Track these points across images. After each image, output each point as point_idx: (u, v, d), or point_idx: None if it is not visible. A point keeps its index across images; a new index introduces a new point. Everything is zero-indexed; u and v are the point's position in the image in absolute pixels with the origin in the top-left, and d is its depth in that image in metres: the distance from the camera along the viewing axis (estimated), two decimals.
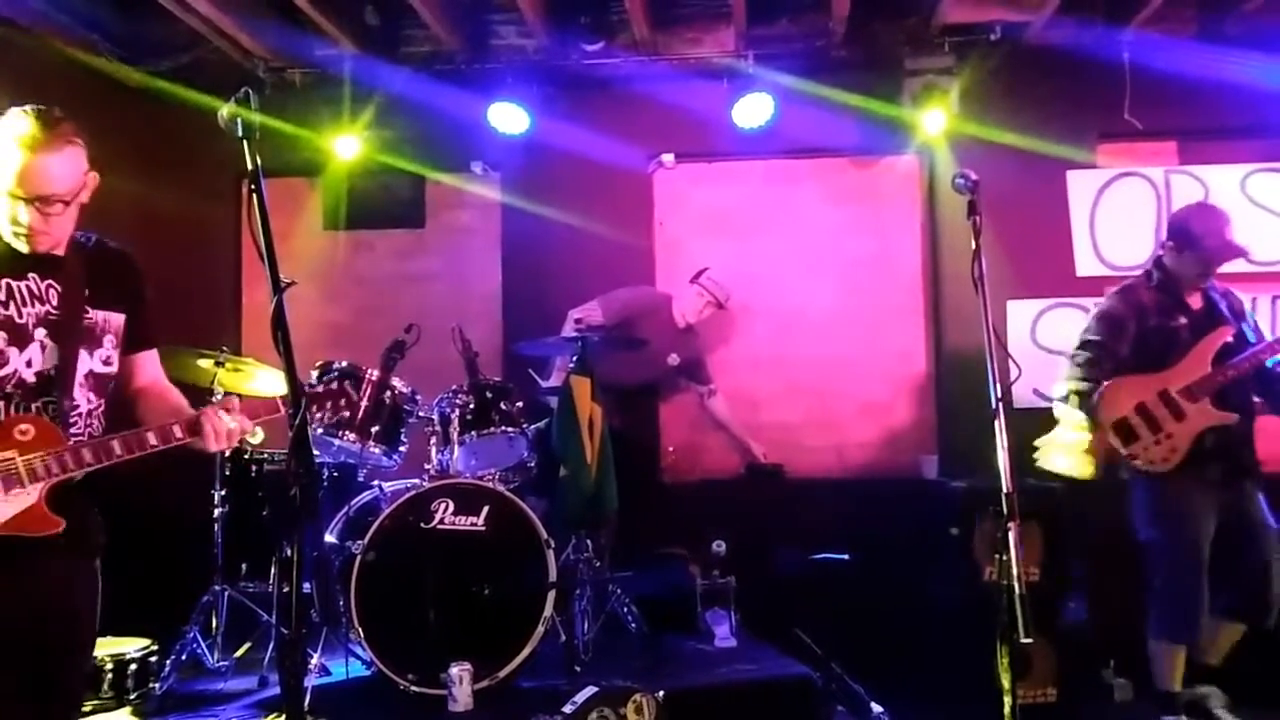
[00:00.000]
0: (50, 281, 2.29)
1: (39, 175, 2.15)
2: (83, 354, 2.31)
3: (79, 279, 2.31)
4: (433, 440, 4.11)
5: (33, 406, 2.23)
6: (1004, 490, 3.26)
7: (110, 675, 3.31)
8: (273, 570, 3.90)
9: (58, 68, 4.78)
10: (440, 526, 3.67)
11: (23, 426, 2.18)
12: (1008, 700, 2.87)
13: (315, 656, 3.70)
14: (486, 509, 3.72)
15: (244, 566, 4.03)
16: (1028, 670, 3.91)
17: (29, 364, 2.23)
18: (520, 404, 4.24)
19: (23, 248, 2.23)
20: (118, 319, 2.38)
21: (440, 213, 5.99)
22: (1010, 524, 3.30)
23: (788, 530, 5.12)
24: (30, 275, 2.27)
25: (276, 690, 3.63)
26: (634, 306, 5.17)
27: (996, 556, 3.00)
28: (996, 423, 3.24)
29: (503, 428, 4.11)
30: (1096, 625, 4.49)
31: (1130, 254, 5.52)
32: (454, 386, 4.17)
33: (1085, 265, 5.54)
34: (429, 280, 5.83)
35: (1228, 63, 5.17)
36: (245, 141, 1.92)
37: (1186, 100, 5.34)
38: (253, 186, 1.88)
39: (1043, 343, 5.48)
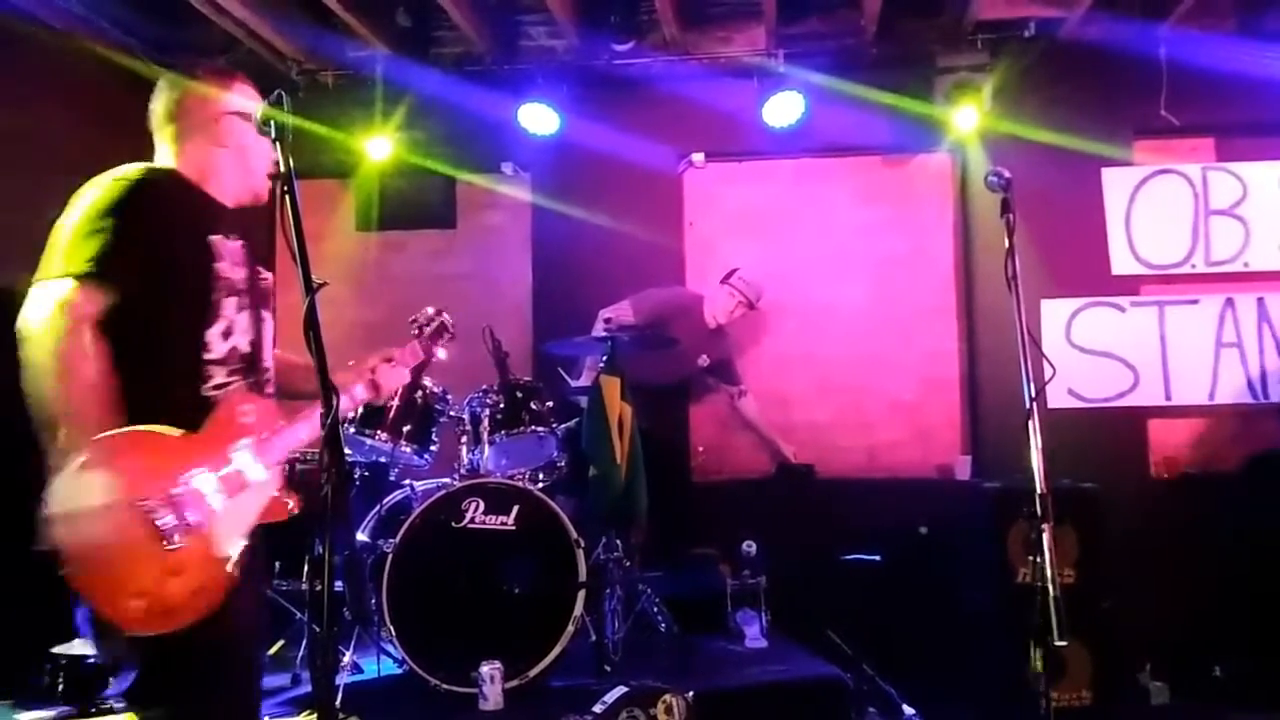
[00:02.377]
0: (238, 239, 2.17)
1: None
2: (267, 318, 2.20)
3: (253, 234, 2.21)
4: (463, 439, 4.13)
5: (247, 380, 2.09)
6: (1038, 491, 3.23)
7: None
8: (305, 568, 3.93)
9: (93, 71, 4.82)
10: (471, 525, 3.68)
11: (245, 407, 2.05)
12: (1042, 703, 2.83)
13: (347, 654, 3.72)
14: (517, 508, 3.73)
15: (277, 565, 4.06)
16: (1062, 673, 3.87)
17: (244, 333, 2.11)
18: (550, 404, 4.25)
19: (231, 201, 2.18)
20: (270, 278, 2.27)
21: (471, 213, 6.02)
22: (1045, 525, 3.27)
23: (818, 531, 5.09)
24: (232, 233, 2.15)
25: (308, 688, 3.66)
26: (666, 307, 5.17)
27: (1031, 558, 2.97)
28: (1030, 423, 3.21)
29: (533, 427, 4.12)
30: (1133, 628, 4.44)
31: (1166, 252, 5.46)
32: (484, 386, 4.18)
33: (1121, 264, 5.47)
34: (460, 280, 5.86)
35: (1266, 58, 5.09)
36: (278, 143, 1.93)
37: (1224, 96, 5.26)
38: (285, 188, 1.88)
39: (1077, 342, 5.42)
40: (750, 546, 4.49)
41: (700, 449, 5.65)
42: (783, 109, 5.41)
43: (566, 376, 4.84)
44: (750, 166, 5.94)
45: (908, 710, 3.89)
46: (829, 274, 5.78)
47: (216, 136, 2.18)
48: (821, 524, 5.12)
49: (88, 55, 4.82)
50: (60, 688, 3.27)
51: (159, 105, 2.21)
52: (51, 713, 3.19)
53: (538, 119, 5.45)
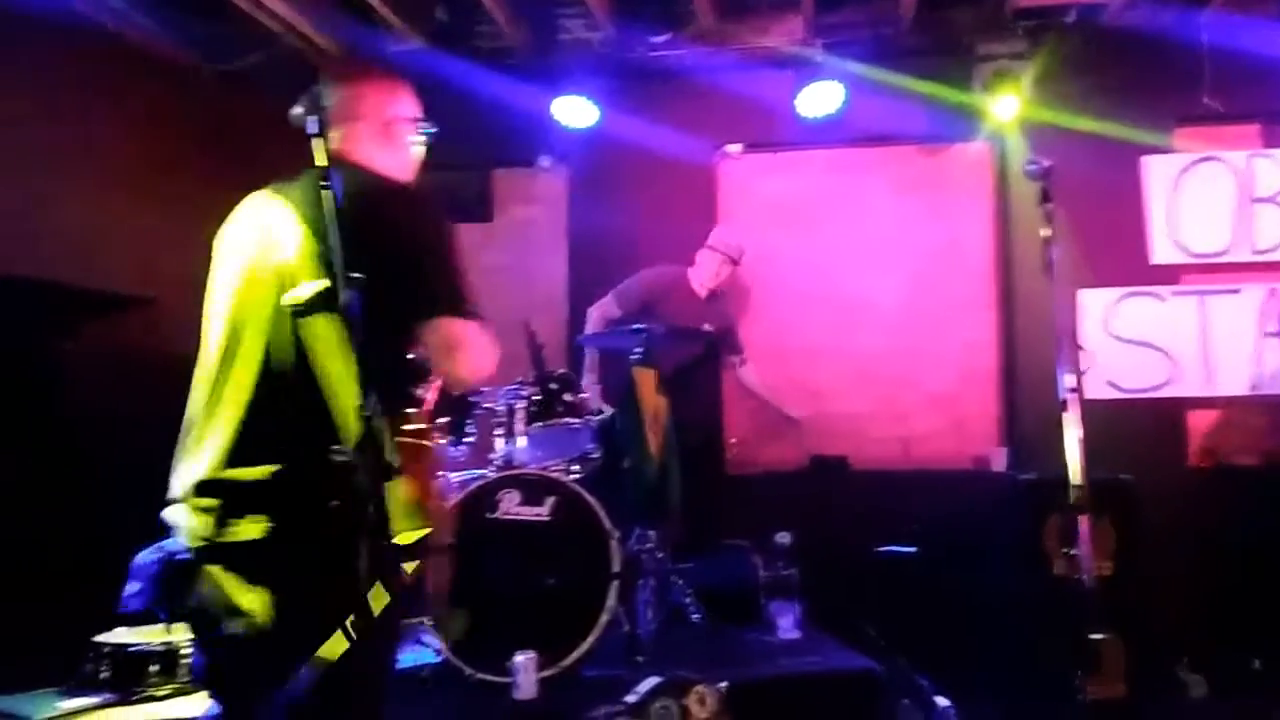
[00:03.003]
0: None
1: None
2: None
3: None
4: (498, 431, 4.16)
5: None
6: (1075, 483, 3.21)
7: (187, 661, 3.40)
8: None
9: (133, 67, 4.91)
10: (505, 516, 3.71)
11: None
12: (1078, 696, 2.82)
13: None
14: (551, 500, 3.75)
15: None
16: (1098, 666, 3.83)
17: None
18: (585, 395, 4.27)
19: None
20: None
21: (507, 206, 6.05)
22: (1082, 517, 3.25)
23: (852, 523, 5.09)
24: None
25: None
26: (651, 288, 5.16)
27: (1067, 550, 2.96)
28: (1067, 414, 3.19)
29: (567, 419, 4.14)
30: (1170, 620, 4.39)
31: (1209, 240, 5.37)
32: (520, 378, 4.22)
33: (1162, 253, 5.39)
34: (496, 273, 5.89)
35: None
36: (317, 138, 1.95)
37: (1269, 82, 5.17)
38: (323, 183, 1.90)
39: (1116, 332, 5.35)
40: (784, 538, 4.48)
41: (733, 441, 5.65)
42: (820, 99, 5.38)
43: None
44: (786, 157, 5.92)
45: (942, 702, 3.87)
46: (864, 265, 5.76)
47: (384, 141, 2.25)
48: (856, 516, 5.12)
49: (127, 51, 4.90)
50: (105, 675, 3.33)
51: (329, 103, 2.17)
52: (96, 699, 3.26)
53: (574, 111, 5.47)
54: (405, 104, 2.31)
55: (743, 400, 5.71)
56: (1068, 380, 3.13)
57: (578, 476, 4.11)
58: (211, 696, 1.98)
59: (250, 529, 1.87)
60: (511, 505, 3.72)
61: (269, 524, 1.86)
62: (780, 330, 5.76)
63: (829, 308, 5.76)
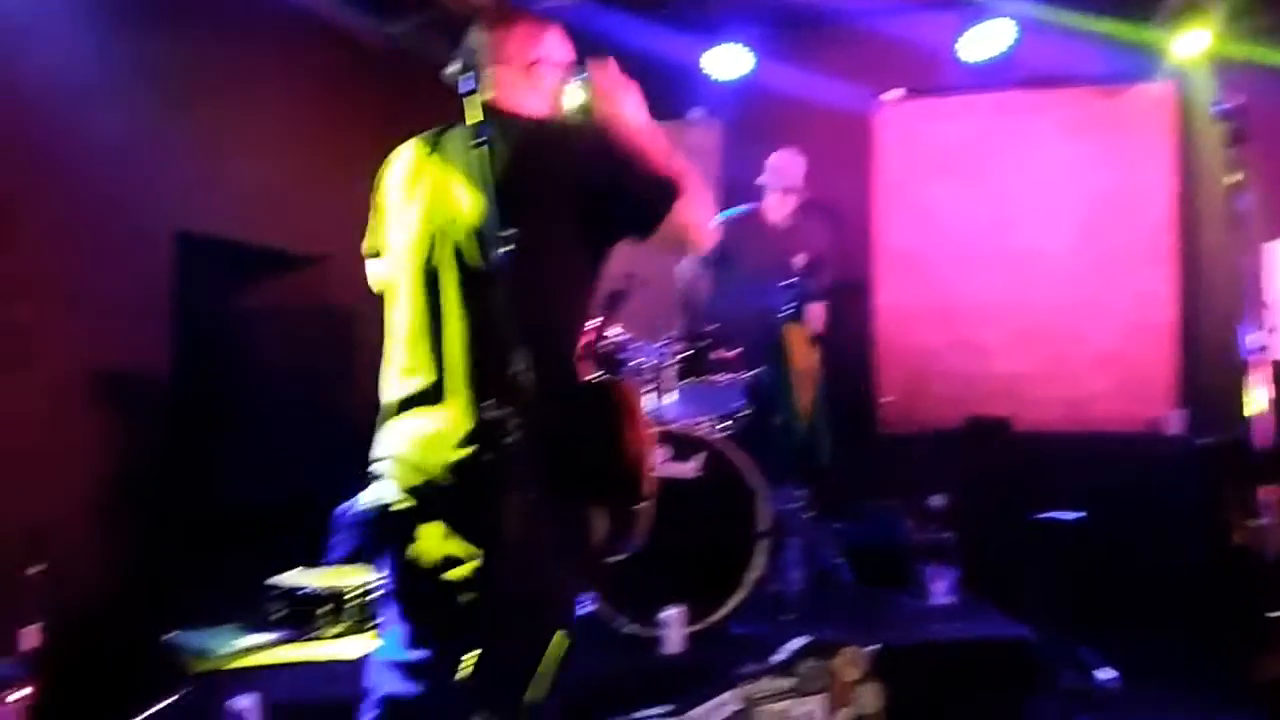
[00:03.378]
0: None
1: None
2: None
3: None
4: (647, 387, 4.18)
5: None
6: (1258, 448, 3.00)
7: (355, 604, 3.59)
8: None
9: (304, 32, 5.08)
10: (654, 472, 3.73)
11: None
12: (1252, 676, 2.65)
13: None
14: (699, 456, 3.74)
15: None
16: (1276, 646, 3.59)
17: None
18: (735, 351, 4.24)
19: None
20: None
21: None
22: (1266, 487, 3.04)
23: (1013, 487, 4.89)
24: None
25: None
26: (728, 234, 4.84)
27: (1248, 522, 2.78)
28: (1252, 374, 2.98)
29: (716, 375, 4.13)
30: None
31: None
32: (669, 334, 4.21)
33: None
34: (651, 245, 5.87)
35: None
36: (471, 96, 1.96)
37: None
38: (483, 139, 1.92)
39: None
40: (939, 500, 4.36)
41: (888, 399, 5.51)
42: (986, 40, 5.15)
43: None
44: (948, 103, 5.67)
45: (1105, 675, 3.71)
46: (1032, 214, 5.49)
47: (529, 83, 2.22)
48: (1017, 480, 4.91)
49: (308, 20, 5.05)
50: (280, 615, 3.56)
51: (475, 49, 2.20)
52: (272, 637, 3.49)
53: (726, 62, 5.40)
54: (550, 45, 2.26)
55: (902, 360, 5.55)
56: (1253, 339, 2.91)
57: (726, 434, 4.10)
58: (418, 646, 2.05)
59: (462, 480, 1.93)
60: (660, 462, 3.74)
61: (471, 477, 1.92)
62: (943, 287, 5.56)
63: (993, 261, 5.52)
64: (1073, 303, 5.42)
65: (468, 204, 2.01)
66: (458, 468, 1.94)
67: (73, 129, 3.69)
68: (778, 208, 4.95)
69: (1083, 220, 5.44)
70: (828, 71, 5.36)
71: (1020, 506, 4.78)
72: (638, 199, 2.05)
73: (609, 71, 2.24)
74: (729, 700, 3.12)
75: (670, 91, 5.64)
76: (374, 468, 2.07)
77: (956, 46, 5.19)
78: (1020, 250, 5.49)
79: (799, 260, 4.78)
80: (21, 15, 3.53)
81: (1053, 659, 3.75)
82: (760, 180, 4.98)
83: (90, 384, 3.84)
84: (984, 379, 5.40)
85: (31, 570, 3.01)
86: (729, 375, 4.15)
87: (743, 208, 5.01)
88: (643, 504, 1.99)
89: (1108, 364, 5.36)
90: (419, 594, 2.02)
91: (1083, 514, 4.72)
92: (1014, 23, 5.04)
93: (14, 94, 3.51)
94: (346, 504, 2.12)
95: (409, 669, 2.03)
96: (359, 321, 4.97)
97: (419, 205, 2.11)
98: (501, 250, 1.80)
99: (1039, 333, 5.45)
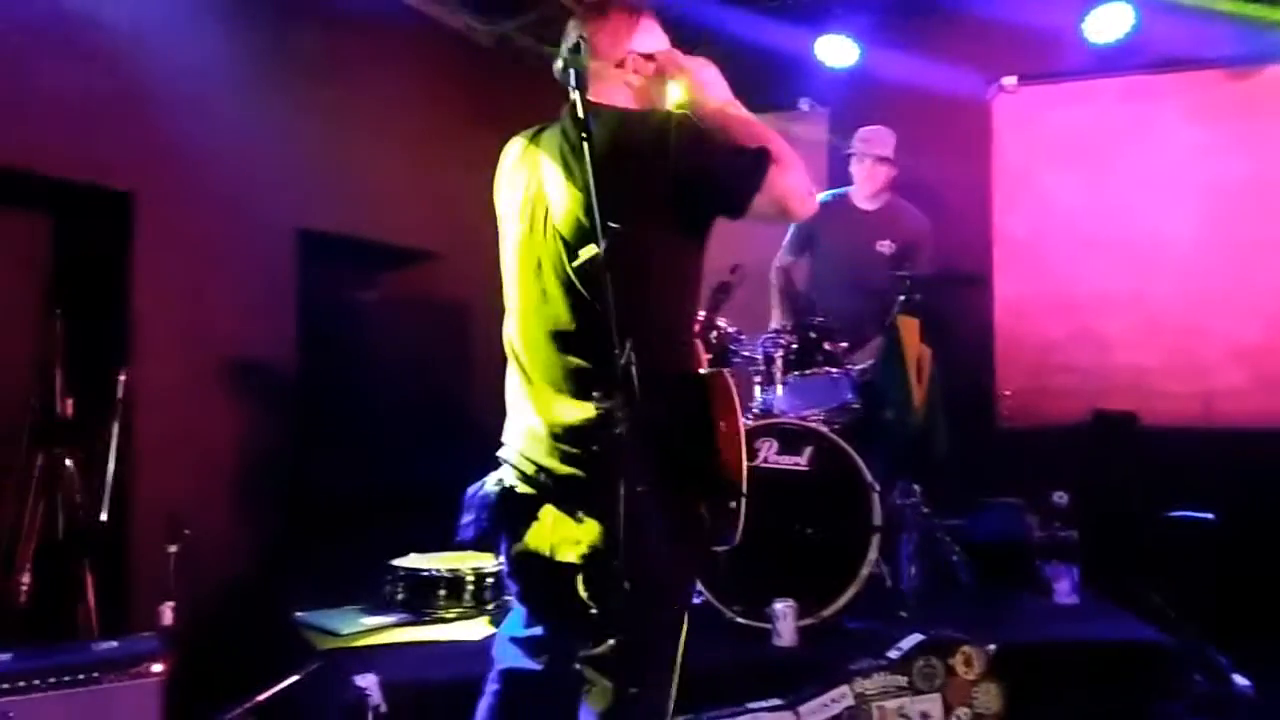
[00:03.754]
0: None
1: None
2: None
3: None
4: (757, 379, 4.16)
5: None
6: None
7: (471, 587, 3.67)
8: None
9: (419, 35, 5.20)
10: (764, 465, 3.71)
11: None
12: None
13: None
14: (810, 449, 3.70)
15: None
16: None
17: None
18: (845, 344, 4.18)
19: None
20: None
21: None
22: None
23: (1141, 484, 4.70)
24: None
25: None
26: (816, 217, 4.67)
27: None
28: None
29: (826, 368, 4.07)
30: None
31: None
32: (778, 326, 4.18)
33: None
34: (751, 220, 5.84)
35: None
36: (577, 91, 1.98)
37: None
38: (584, 134, 1.93)
39: None
40: (1062, 497, 4.22)
41: (1007, 392, 5.36)
42: (1108, 22, 4.98)
43: None
44: (1069, 88, 5.51)
45: (1240, 681, 3.54)
46: (1158, 202, 5.29)
47: (624, 77, 2.22)
48: (1145, 477, 4.72)
49: (422, 23, 5.16)
50: (400, 597, 3.66)
51: (574, 43, 2.12)
52: (392, 618, 3.59)
53: (835, 51, 5.33)
54: (643, 36, 2.24)
55: (1021, 354, 5.40)
56: None
57: (837, 427, 4.04)
58: (536, 623, 2.13)
59: (576, 468, 1.98)
60: (770, 454, 3.71)
61: (592, 463, 1.95)
62: (1066, 277, 5.40)
63: (1118, 251, 5.34)
64: (1200, 294, 5.21)
65: (567, 198, 2.03)
66: (570, 458, 1.99)
67: (202, 130, 3.84)
68: (868, 181, 4.81)
69: (1210, 208, 5.21)
70: (942, 58, 5.24)
71: (1147, 504, 4.61)
72: (727, 178, 2.06)
73: (679, 56, 2.26)
74: (841, 695, 3.08)
75: (779, 81, 5.61)
76: (499, 453, 2.14)
77: (1080, 29, 5.00)
78: (1144, 240, 5.30)
79: (886, 247, 4.69)
80: (151, 21, 3.68)
81: (1183, 663, 3.60)
82: (849, 149, 4.87)
83: (223, 374, 4.01)
84: (1106, 371, 5.23)
85: (169, 550, 3.17)
86: (840, 369, 4.10)
87: (832, 191, 4.90)
88: (739, 497, 1.95)
89: (1241, 358, 5.13)
90: (536, 574, 2.07)
91: (1212, 514, 4.52)
92: (1132, 7, 4.85)
93: (147, 97, 3.67)
94: (475, 486, 2.17)
95: (527, 644, 2.12)
96: (472, 315, 5.08)
97: (522, 200, 2.15)
98: (603, 242, 1.81)
99: (1164, 324, 5.25)
